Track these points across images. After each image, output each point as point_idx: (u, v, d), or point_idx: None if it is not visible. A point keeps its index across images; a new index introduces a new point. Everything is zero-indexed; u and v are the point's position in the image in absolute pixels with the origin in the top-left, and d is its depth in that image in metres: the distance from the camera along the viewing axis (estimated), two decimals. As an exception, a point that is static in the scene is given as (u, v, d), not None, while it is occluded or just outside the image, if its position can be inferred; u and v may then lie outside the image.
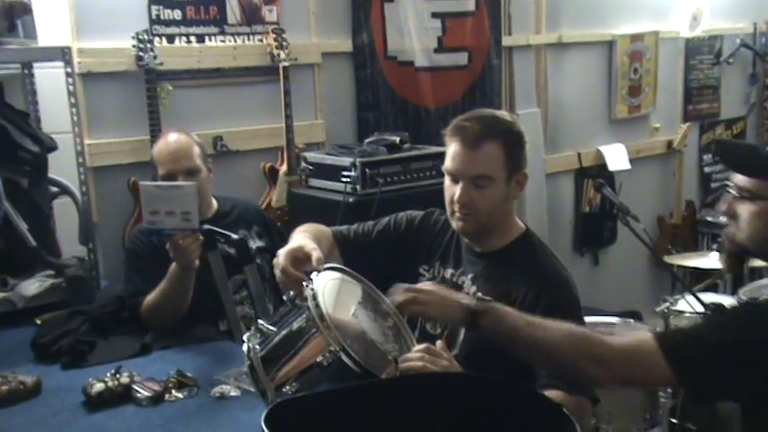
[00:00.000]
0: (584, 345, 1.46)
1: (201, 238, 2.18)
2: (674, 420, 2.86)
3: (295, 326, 1.52)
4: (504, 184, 1.88)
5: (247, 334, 1.58)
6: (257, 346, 1.53)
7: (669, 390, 2.84)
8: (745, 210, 1.56)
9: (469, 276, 1.94)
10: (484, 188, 1.85)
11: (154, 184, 2.21)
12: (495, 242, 1.94)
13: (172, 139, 2.51)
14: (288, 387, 1.46)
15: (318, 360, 1.44)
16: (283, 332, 1.53)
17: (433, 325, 1.95)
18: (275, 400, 1.41)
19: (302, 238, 1.86)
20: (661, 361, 1.41)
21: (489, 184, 1.85)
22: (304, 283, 1.56)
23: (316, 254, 1.71)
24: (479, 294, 1.89)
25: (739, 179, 1.59)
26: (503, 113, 1.98)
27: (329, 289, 1.59)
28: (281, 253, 1.75)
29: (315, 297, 1.49)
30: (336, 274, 1.69)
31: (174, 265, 2.27)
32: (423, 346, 1.61)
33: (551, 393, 1.58)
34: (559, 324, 1.51)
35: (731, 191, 1.60)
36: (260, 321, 1.57)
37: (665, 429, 2.89)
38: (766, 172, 1.55)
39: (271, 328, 1.55)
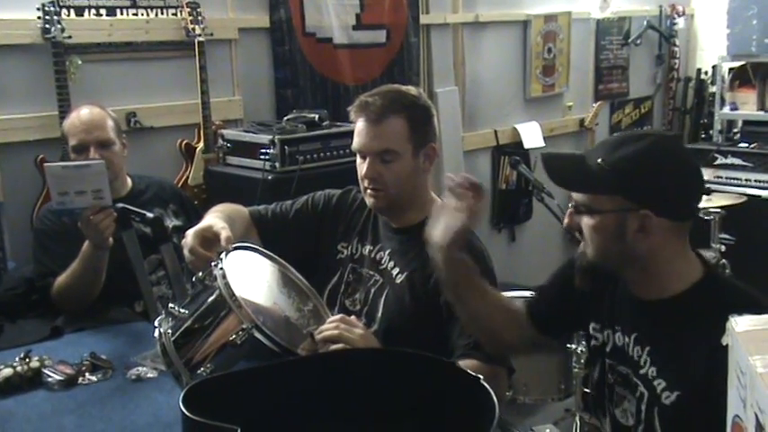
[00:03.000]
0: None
1: (115, 214, 2.12)
2: (587, 390, 2.96)
3: (206, 306, 1.50)
4: (411, 158, 1.90)
5: (158, 319, 1.55)
6: (169, 330, 1.51)
7: (582, 361, 2.94)
8: (585, 224, 1.47)
9: (387, 252, 1.96)
10: (390, 163, 1.88)
11: (60, 165, 2.13)
12: (412, 217, 1.96)
13: (85, 110, 2.46)
14: (203, 368, 1.45)
15: (231, 339, 1.43)
16: (195, 314, 1.51)
17: (353, 301, 1.97)
18: (190, 382, 1.40)
19: (213, 218, 1.84)
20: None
21: (395, 159, 1.87)
22: (213, 263, 1.54)
23: (225, 233, 1.69)
24: (397, 269, 1.92)
25: (574, 194, 1.49)
26: (408, 88, 1.98)
27: (240, 268, 1.58)
28: (190, 233, 1.73)
29: (224, 276, 1.48)
30: (248, 253, 1.68)
31: (86, 245, 2.20)
32: (337, 316, 1.63)
33: (467, 363, 1.62)
34: None
35: (570, 205, 1.51)
36: (170, 305, 1.55)
37: (578, 399, 3.00)
38: (596, 186, 1.44)
39: (182, 310, 1.53)
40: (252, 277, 1.61)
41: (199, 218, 2.74)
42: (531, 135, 4.72)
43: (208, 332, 1.47)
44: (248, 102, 3.45)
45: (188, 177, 3.18)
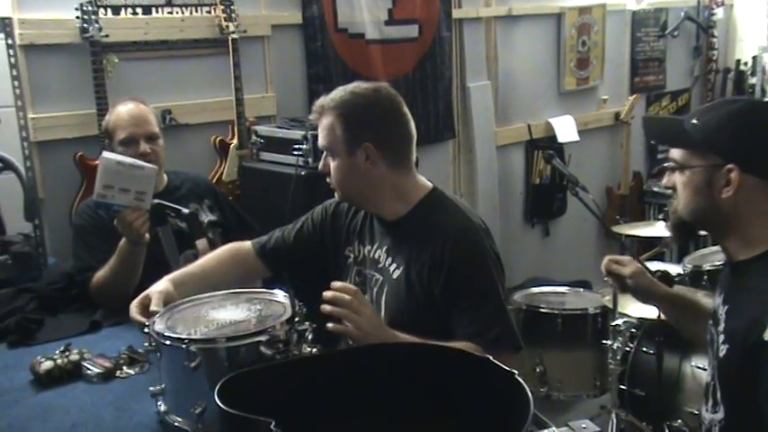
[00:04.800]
0: None
1: (148, 214, 2.15)
2: (623, 387, 2.93)
3: (160, 365, 1.54)
4: (347, 157, 1.88)
5: (157, 406, 1.58)
6: (164, 407, 1.55)
7: (618, 357, 2.91)
8: (677, 181, 1.61)
9: (384, 249, 1.95)
10: (333, 160, 1.91)
11: (116, 159, 2.16)
12: (397, 209, 1.94)
13: (132, 104, 2.52)
14: (195, 407, 1.47)
15: (186, 366, 1.46)
16: (164, 378, 1.56)
17: None
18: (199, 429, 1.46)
19: (161, 282, 1.93)
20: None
21: (333, 156, 1.91)
22: (147, 325, 1.59)
23: (155, 298, 1.83)
24: (394, 265, 1.91)
25: (671, 151, 1.63)
26: (358, 85, 1.93)
27: (178, 316, 1.64)
28: (132, 305, 1.86)
29: (154, 331, 1.53)
30: (183, 305, 1.71)
31: (123, 241, 2.24)
32: (351, 290, 1.70)
33: (461, 345, 1.65)
34: None
35: (668, 164, 1.65)
36: (150, 388, 1.57)
37: (614, 395, 2.96)
38: (687, 141, 1.58)
39: (158, 387, 1.57)
40: (189, 318, 1.65)
41: (234, 213, 2.77)
42: (566, 129, 4.67)
43: (177, 380, 1.51)
44: (281, 98, 3.47)
45: (222, 173, 3.21)
